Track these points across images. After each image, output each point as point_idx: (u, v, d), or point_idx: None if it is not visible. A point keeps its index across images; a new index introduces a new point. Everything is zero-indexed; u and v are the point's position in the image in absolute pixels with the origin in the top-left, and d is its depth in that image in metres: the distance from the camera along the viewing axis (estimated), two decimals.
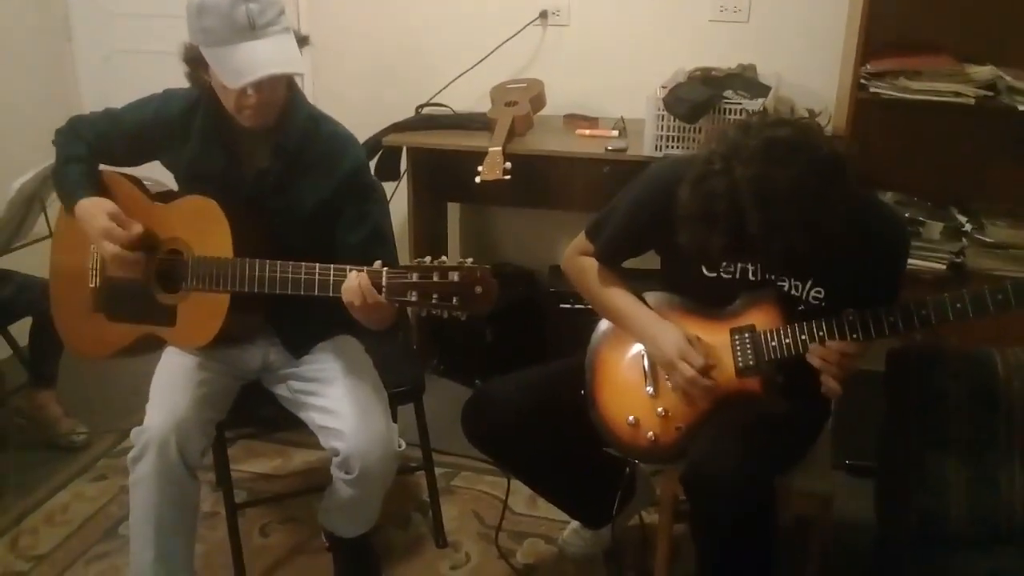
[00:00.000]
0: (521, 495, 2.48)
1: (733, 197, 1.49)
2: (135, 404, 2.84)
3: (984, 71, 2.48)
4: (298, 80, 1.98)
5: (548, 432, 1.96)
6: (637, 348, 1.90)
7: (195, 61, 1.85)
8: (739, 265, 1.79)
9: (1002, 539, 1.77)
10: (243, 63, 1.75)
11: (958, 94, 2.46)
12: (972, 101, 2.46)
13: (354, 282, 1.71)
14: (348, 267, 1.75)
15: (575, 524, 2.30)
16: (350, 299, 1.73)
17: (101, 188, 2.00)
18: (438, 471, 2.43)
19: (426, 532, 2.41)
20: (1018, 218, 2.66)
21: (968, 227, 2.64)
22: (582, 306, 2.89)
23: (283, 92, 1.87)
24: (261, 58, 1.75)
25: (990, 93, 2.46)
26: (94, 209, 1.91)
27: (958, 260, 2.61)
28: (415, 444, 2.30)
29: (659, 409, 1.83)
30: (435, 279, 1.64)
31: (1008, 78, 2.44)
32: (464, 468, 2.65)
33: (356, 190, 1.97)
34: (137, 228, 1.91)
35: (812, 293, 1.76)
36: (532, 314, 3.05)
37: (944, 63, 2.51)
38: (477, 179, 2.60)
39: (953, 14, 2.64)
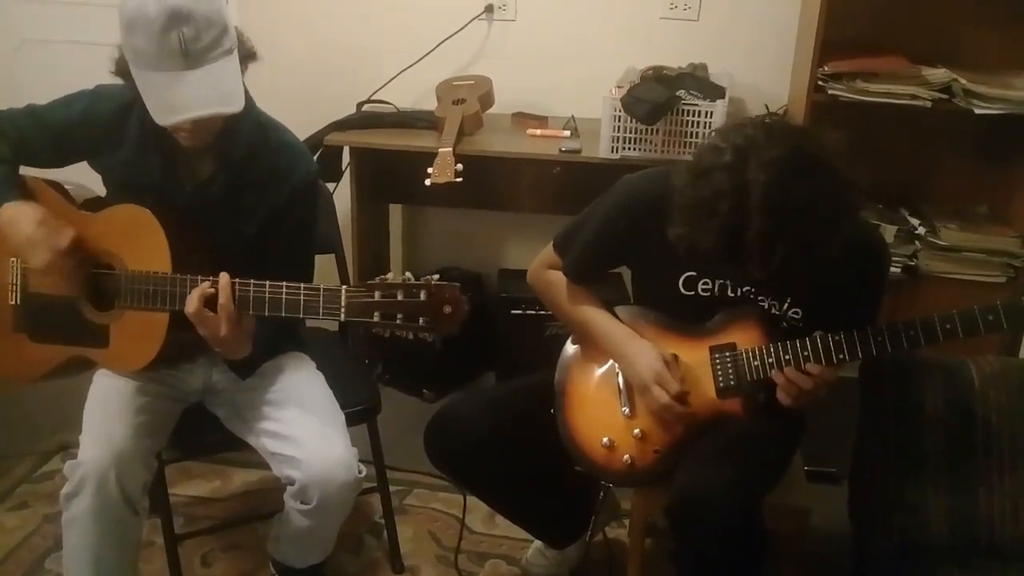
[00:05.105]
0: (479, 513, 2.38)
1: (740, 198, 1.39)
2: (54, 423, 2.69)
3: (939, 74, 2.47)
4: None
5: (516, 452, 1.86)
6: (611, 366, 1.81)
7: (128, 75, 1.63)
8: (717, 282, 1.72)
9: (982, 552, 1.75)
10: (171, 98, 1.55)
11: (915, 97, 2.45)
12: (929, 104, 2.45)
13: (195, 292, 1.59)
14: (302, 285, 1.61)
15: (538, 544, 2.21)
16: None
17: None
18: (390, 489, 2.31)
19: (381, 557, 2.28)
20: (968, 220, 2.68)
21: (921, 230, 2.64)
22: (534, 312, 2.83)
23: (222, 117, 1.66)
24: (191, 95, 1.54)
25: (945, 96, 2.46)
26: (20, 215, 1.70)
27: (912, 263, 2.62)
28: (367, 461, 2.17)
29: (636, 431, 1.75)
30: (400, 298, 1.52)
31: (963, 81, 2.44)
32: (417, 485, 2.52)
33: (300, 212, 1.84)
34: (69, 234, 1.71)
35: (790, 313, 1.70)
36: (481, 320, 2.95)
37: (899, 65, 2.50)
38: (427, 181, 2.48)
39: (905, 15, 2.63)
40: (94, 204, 1.86)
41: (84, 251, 1.76)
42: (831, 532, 2.08)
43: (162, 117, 1.58)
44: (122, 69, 1.65)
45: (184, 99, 1.55)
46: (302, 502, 1.78)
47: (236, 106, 1.61)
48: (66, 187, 1.89)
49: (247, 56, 1.69)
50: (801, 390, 1.61)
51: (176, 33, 1.51)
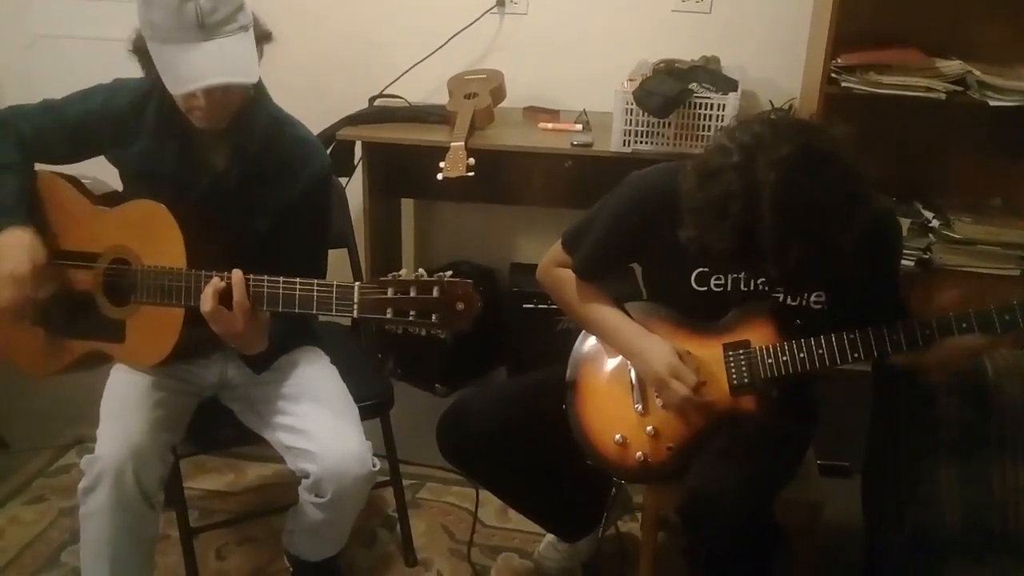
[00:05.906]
0: (491, 507, 2.39)
1: (751, 199, 1.38)
2: (70, 417, 2.71)
3: (953, 65, 2.45)
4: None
5: (528, 447, 1.87)
6: (623, 362, 1.81)
7: (144, 52, 1.67)
8: (730, 277, 1.71)
9: (995, 545, 1.74)
10: (186, 67, 1.58)
11: (929, 89, 2.43)
12: (943, 96, 2.43)
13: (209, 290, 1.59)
14: (316, 281, 1.61)
15: (551, 537, 2.22)
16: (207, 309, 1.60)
17: (36, 199, 1.82)
18: (403, 483, 2.32)
19: (394, 550, 2.30)
20: (982, 213, 2.66)
21: (935, 223, 2.63)
22: (545, 306, 2.83)
23: (238, 95, 1.70)
24: (206, 64, 1.58)
25: (960, 88, 2.44)
26: (11, 250, 1.70)
27: (926, 256, 2.60)
28: (380, 455, 2.18)
29: (648, 428, 1.74)
30: (413, 295, 1.52)
31: (977, 72, 2.42)
32: (430, 479, 2.54)
33: (314, 207, 1.85)
34: (47, 288, 1.76)
35: (812, 298, 1.68)
36: (493, 314, 2.95)
37: (913, 57, 2.48)
38: (439, 176, 2.49)
39: (919, 7, 2.61)
40: (111, 198, 1.87)
41: (94, 249, 1.78)
42: (844, 525, 2.08)
43: (176, 86, 1.61)
44: (138, 47, 1.67)
45: (198, 68, 1.58)
46: (316, 495, 1.79)
47: (250, 78, 1.64)
48: (83, 181, 1.90)
49: (262, 37, 1.71)
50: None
51: (193, 5, 1.55)
